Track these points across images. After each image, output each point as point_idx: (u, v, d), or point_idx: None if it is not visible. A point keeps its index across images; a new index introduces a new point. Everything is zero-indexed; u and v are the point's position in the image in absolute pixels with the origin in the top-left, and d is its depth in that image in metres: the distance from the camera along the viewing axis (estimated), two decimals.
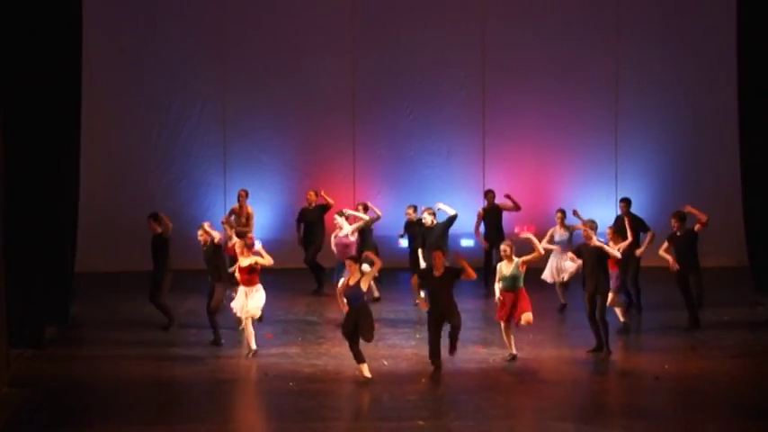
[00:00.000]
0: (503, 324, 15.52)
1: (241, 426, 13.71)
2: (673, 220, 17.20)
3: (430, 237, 18.05)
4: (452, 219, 18.29)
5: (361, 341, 14.72)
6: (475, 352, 16.04)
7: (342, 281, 15.26)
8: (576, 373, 15.31)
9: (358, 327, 14.64)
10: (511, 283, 15.38)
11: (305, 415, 13.64)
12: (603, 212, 21.25)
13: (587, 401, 14.56)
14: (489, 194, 20.10)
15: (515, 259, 15.41)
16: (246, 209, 19.86)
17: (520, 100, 22.02)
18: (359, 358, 14.69)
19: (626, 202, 18.53)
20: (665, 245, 17.28)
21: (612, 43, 21.98)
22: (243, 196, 19.94)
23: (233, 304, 16.14)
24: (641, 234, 17.96)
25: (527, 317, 15.33)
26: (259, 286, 15.98)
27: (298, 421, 13.45)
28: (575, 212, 18.65)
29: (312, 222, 20.08)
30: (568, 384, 14.94)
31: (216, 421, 13.55)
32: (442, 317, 15.09)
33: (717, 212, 20.87)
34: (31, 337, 16.27)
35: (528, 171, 21.93)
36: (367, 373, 14.63)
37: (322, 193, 20.12)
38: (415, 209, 19.12)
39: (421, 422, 13.30)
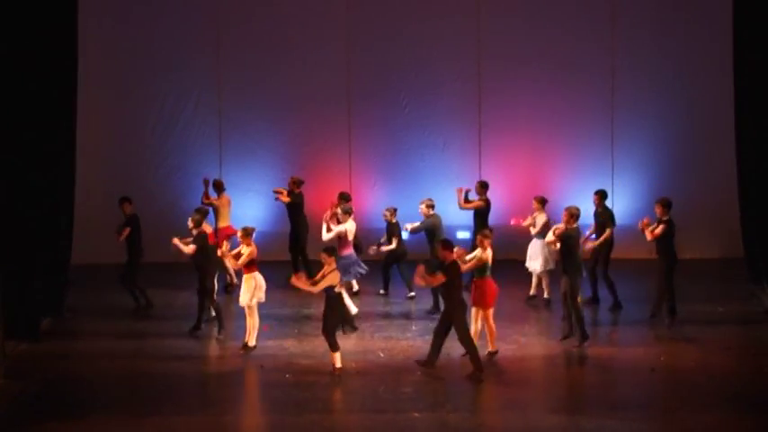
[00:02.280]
0: (491, 312, 15.37)
1: (237, 418, 13.70)
2: (657, 208, 16.81)
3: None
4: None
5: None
6: None
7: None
8: (571, 366, 15.31)
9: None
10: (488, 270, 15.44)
11: (301, 407, 13.65)
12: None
13: (582, 393, 14.57)
14: (484, 186, 19.56)
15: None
16: (211, 200, 19.68)
17: (516, 92, 21.98)
18: (335, 347, 14.70)
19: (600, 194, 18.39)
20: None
21: (608, 34, 21.92)
22: (206, 184, 19.83)
23: (250, 299, 15.98)
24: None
25: None
26: (257, 273, 15.94)
27: (294, 413, 13.45)
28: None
29: (294, 205, 19.91)
30: (563, 376, 14.95)
31: (212, 413, 13.58)
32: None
33: (713, 203, 20.95)
34: (28, 329, 16.28)
35: (524, 163, 21.90)
36: (339, 363, 14.66)
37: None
38: (394, 212, 18.75)
39: (416, 414, 13.33)
